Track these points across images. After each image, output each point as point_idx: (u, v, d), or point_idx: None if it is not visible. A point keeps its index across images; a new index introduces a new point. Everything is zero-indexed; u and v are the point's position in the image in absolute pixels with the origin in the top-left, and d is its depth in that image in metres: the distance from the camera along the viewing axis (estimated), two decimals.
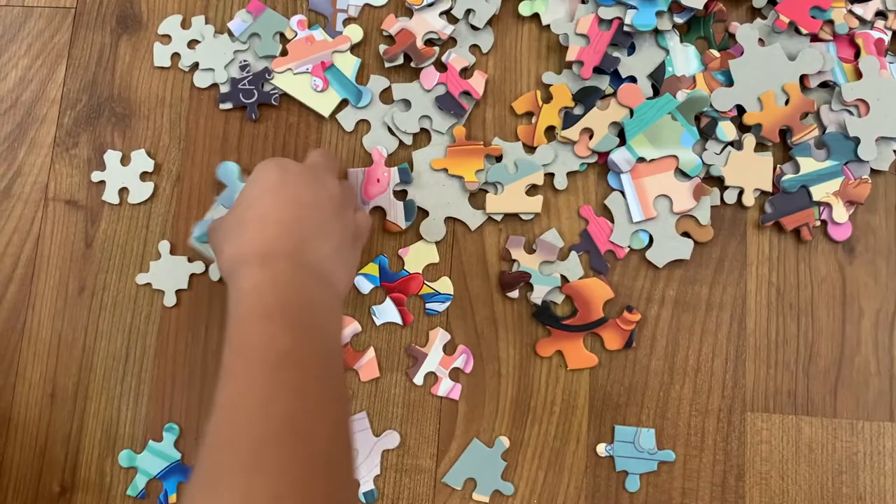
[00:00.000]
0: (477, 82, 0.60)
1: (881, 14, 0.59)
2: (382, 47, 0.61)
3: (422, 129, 0.60)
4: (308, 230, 0.48)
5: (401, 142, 0.61)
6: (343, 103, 0.61)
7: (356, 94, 0.61)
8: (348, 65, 0.61)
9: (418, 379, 0.58)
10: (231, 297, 0.46)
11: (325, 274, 0.48)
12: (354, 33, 0.62)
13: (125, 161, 0.62)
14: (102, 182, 0.62)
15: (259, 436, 0.39)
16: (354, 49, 0.62)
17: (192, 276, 0.60)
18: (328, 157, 0.56)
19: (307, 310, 0.45)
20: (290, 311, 0.44)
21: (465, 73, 0.61)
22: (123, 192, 0.62)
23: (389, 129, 0.61)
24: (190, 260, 0.60)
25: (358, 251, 0.54)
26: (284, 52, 0.62)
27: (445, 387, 0.57)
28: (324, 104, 0.61)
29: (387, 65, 0.61)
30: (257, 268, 0.46)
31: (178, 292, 0.60)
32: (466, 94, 0.60)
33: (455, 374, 0.58)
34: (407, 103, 0.61)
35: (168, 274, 0.60)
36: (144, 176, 0.62)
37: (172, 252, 0.60)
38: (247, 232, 0.48)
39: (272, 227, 0.48)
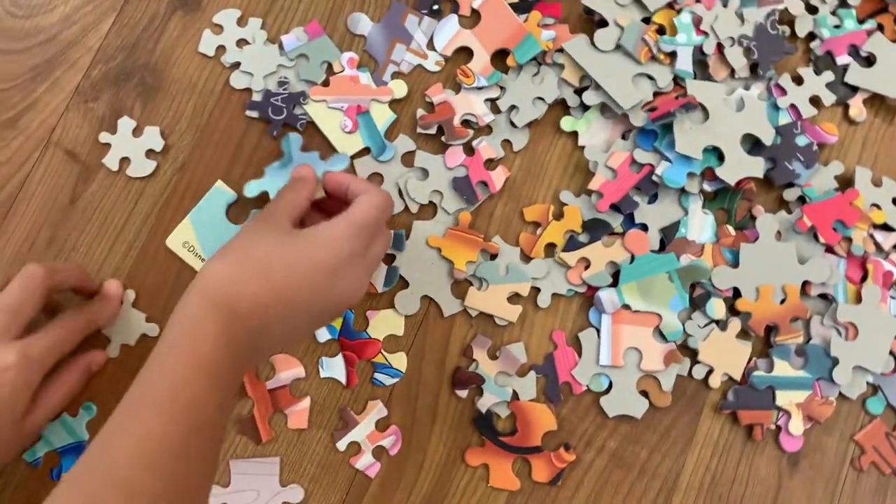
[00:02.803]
0: (498, 177, 0.60)
1: None
2: (420, 112, 0.61)
3: (430, 202, 0.60)
4: (292, 310, 0.47)
5: (406, 207, 0.60)
6: (364, 150, 0.61)
7: (380, 147, 0.61)
8: (382, 116, 0.61)
9: (342, 445, 0.57)
10: (186, 315, 0.45)
11: (261, 354, 0.49)
12: (399, 89, 0.62)
13: (137, 132, 0.61)
14: (108, 145, 0.61)
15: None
16: (393, 104, 0.62)
17: (143, 336, 0.58)
18: (384, 207, 0.51)
19: (235, 385, 0.46)
20: (231, 378, 0.45)
21: (490, 163, 0.61)
22: (125, 161, 0.61)
23: (399, 192, 0.60)
24: (147, 320, 0.58)
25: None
26: (326, 83, 0.62)
27: (365, 461, 0.57)
28: (347, 145, 0.61)
29: (419, 130, 0.61)
30: (223, 326, 0.44)
31: (122, 345, 0.58)
32: (484, 184, 0.60)
33: (378, 452, 0.57)
34: (425, 172, 0.60)
35: (121, 325, 0.58)
36: (150, 154, 0.61)
37: (135, 304, 0.59)
38: (246, 273, 0.46)
39: (266, 290, 0.46)
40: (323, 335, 0.58)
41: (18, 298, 0.51)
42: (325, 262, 0.47)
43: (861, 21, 0.63)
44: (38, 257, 0.59)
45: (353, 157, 0.61)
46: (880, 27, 0.63)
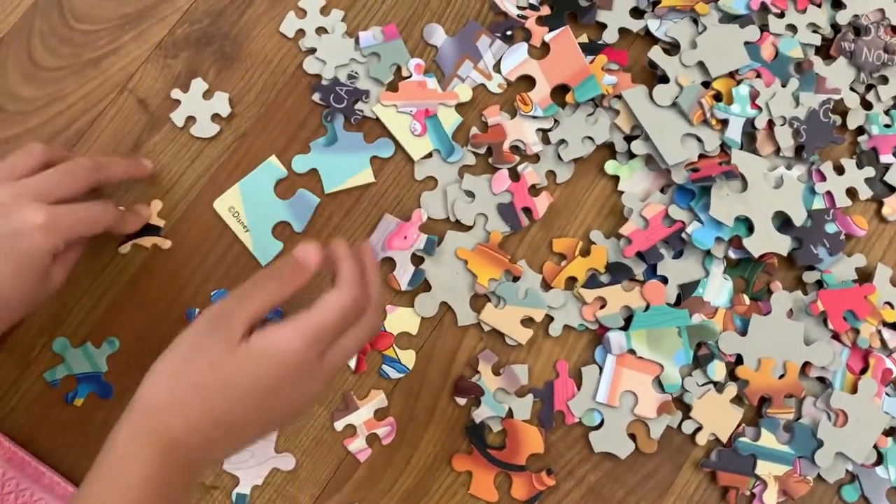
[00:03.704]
0: (541, 203, 0.63)
1: None
2: (474, 130, 0.64)
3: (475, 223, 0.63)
4: (233, 427, 0.47)
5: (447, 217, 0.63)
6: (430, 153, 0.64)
7: (449, 149, 0.63)
8: (449, 120, 0.64)
9: (339, 425, 0.60)
10: (122, 441, 0.45)
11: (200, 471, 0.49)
12: (464, 93, 0.64)
13: (207, 95, 0.65)
14: (178, 102, 0.64)
15: None
16: (459, 107, 0.64)
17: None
18: (350, 307, 0.48)
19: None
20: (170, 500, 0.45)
21: (533, 189, 0.63)
22: (190, 120, 0.64)
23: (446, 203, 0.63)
24: (183, 268, 0.62)
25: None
26: (394, 87, 0.64)
27: (358, 445, 0.59)
28: (417, 148, 0.64)
29: (469, 148, 0.64)
30: (160, 455, 0.44)
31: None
32: (527, 210, 0.63)
33: (372, 439, 0.60)
34: (471, 195, 0.63)
35: None
36: (215, 118, 0.64)
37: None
38: (181, 398, 0.45)
39: (202, 415, 0.45)
40: None
41: (55, 181, 0.53)
42: (265, 380, 0.46)
43: None
44: None
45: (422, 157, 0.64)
46: None
